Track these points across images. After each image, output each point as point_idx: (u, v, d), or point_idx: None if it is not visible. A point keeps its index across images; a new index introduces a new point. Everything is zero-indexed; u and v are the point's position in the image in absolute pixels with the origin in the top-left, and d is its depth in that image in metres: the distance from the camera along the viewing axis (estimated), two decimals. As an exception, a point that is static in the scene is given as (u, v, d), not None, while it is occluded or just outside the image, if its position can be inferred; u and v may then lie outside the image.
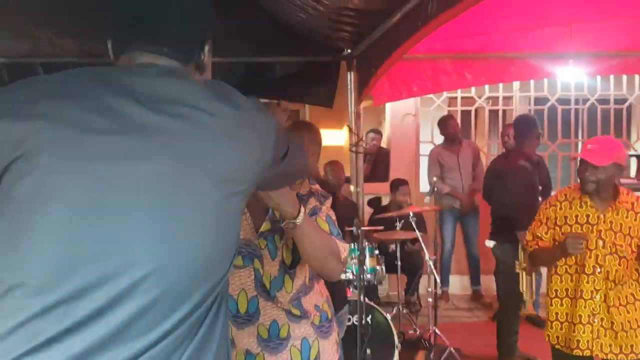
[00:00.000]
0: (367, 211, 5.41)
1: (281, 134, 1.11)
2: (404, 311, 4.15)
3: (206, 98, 1.00)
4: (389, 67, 3.97)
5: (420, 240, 3.81)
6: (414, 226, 3.84)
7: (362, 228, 3.28)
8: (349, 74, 4.81)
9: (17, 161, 0.87)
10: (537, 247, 2.83)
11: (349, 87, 4.82)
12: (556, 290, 2.80)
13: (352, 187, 5.04)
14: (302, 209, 1.55)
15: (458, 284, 6.01)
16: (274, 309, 1.80)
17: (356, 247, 3.31)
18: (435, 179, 4.86)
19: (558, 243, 2.73)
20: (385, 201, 5.76)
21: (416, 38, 3.22)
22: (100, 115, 0.91)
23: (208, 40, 1.17)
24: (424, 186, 6.01)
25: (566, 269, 2.76)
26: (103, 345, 0.85)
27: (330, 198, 1.90)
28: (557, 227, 2.76)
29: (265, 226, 1.78)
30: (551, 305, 2.82)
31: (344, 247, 1.77)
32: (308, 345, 1.85)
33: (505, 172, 4.20)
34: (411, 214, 3.90)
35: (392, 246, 4.83)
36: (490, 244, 4.14)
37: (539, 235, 2.83)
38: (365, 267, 3.54)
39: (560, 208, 2.75)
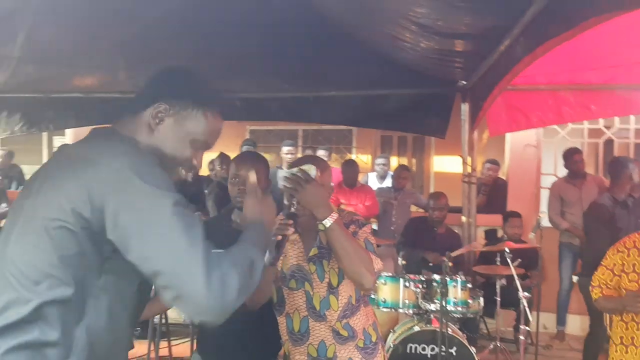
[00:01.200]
0: (482, 242, 5.38)
1: (133, 194, 1.20)
2: (501, 346, 4.09)
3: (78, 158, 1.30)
4: (493, 100, 4.05)
5: (515, 275, 3.76)
6: (509, 261, 3.80)
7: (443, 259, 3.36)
8: (463, 105, 4.91)
9: None
10: (602, 294, 2.76)
11: (463, 117, 4.92)
12: (621, 338, 2.69)
13: (463, 218, 5.06)
14: (335, 214, 1.83)
15: (578, 324, 5.69)
16: (323, 329, 2.03)
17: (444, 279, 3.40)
18: (540, 215, 4.73)
19: (619, 296, 2.69)
20: (501, 233, 5.66)
21: (511, 75, 3.30)
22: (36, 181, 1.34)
23: (161, 106, 1.37)
24: (546, 220, 5.80)
25: (632, 316, 2.65)
26: None
27: (369, 225, 2.11)
28: (624, 274, 2.66)
29: (313, 252, 2.03)
30: (616, 351, 2.71)
31: (376, 260, 1.98)
32: None
33: (588, 210, 4.34)
34: (507, 249, 3.87)
35: (503, 280, 4.75)
36: (574, 278, 4.07)
37: (604, 281, 2.76)
38: (455, 299, 3.59)
39: (628, 255, 2.65)
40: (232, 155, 6.22)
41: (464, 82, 4.73)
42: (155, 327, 3.95)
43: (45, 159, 8.09)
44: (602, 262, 2.79)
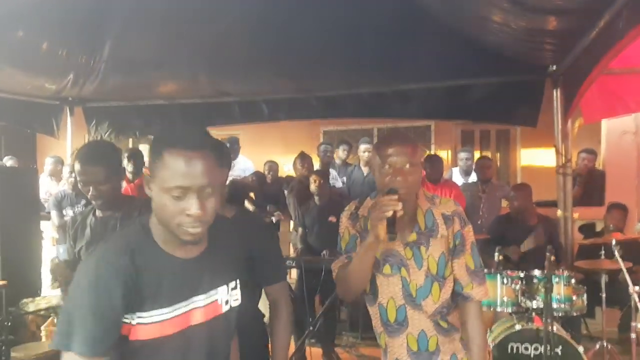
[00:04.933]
0: (578, 238, 5.04)
1: None
2: (608, 346, 3.76)
3: None
4: (590, 83, 3.76)
5: (624, 270, 3.44)
6: (616, 255, 3.48)
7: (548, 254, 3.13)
8: (554, 92, 4.62)
9: None
10: None
11: (555, 105, 4.63)
12: None
13: (558, 212, 4.75)
14: None
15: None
16: (422, 318, 1.86)
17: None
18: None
19: None
20: (600, 227, 5.28)
21: (612, 54, 3.05)
22: None
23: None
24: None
25: None
26: None
27: (470, 224, 1.93)
28: None
29: (412, 237, 1.87)
30: None
31: (485, 290, 1.94)
32: None
33: None
34: (614, 241, 3.55)
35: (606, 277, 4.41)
36: None
37: None
38: (558, 296, 3.35)
39: None
40: (312, 154, 6.23)
41: (555, 67, 4.46)
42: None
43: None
44: None
